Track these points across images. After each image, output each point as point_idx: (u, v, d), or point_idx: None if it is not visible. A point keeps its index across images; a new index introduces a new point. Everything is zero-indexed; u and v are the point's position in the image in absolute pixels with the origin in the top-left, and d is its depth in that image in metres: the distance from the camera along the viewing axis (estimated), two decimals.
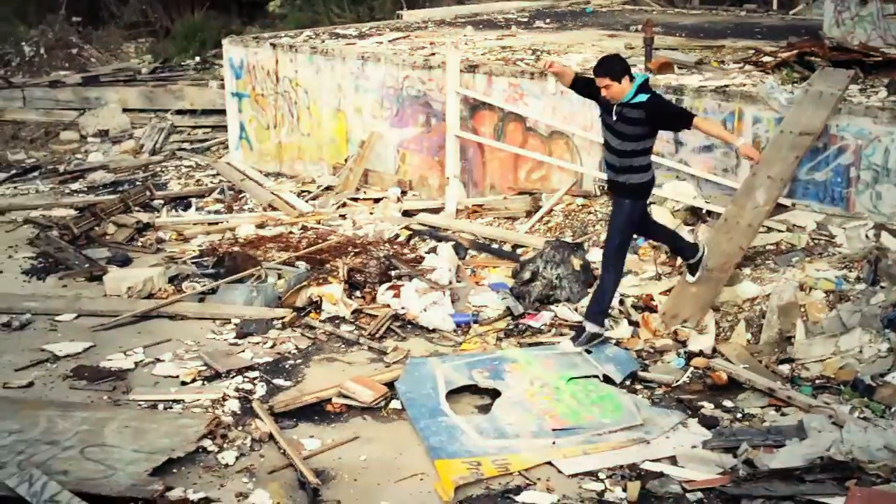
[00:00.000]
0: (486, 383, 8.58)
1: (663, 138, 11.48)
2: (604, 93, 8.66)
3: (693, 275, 9.62)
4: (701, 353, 9.09)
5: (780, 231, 10.40)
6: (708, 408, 8.23)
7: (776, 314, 9.15)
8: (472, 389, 8.60)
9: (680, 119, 9.03)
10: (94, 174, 16.46)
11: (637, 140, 8.73)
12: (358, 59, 14.44)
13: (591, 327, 9.06)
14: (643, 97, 8.58)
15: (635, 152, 8.79)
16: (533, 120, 12.75)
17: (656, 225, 9.80)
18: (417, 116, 13.90)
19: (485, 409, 8.28)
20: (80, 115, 19.57)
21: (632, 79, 8.62)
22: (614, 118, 8.70)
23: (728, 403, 8.30)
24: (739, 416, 8.10)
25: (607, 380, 8.72)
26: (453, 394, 8.47)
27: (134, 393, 8.63)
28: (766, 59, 12.41)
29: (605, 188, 9.59)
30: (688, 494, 6.97)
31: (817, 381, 8.52)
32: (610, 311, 9.47)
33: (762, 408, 8.16)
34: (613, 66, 8.62)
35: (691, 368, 8.88)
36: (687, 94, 11.31)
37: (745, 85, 11.35)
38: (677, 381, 8.68)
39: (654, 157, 11.27)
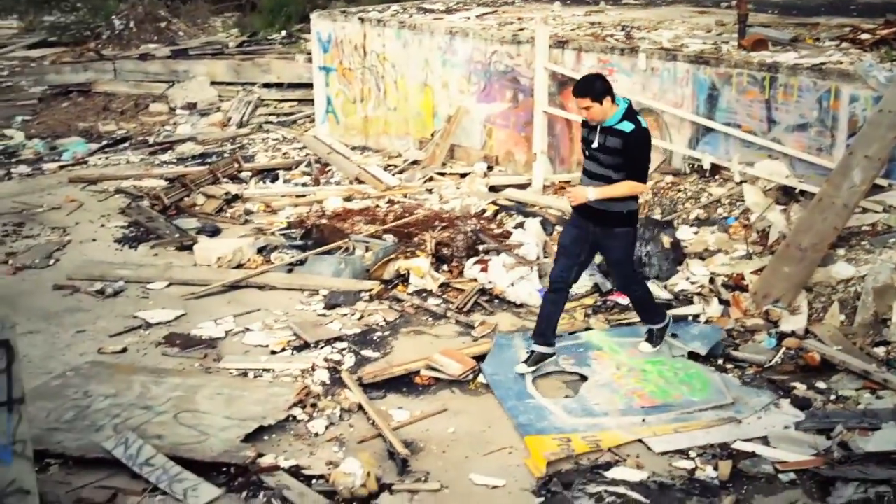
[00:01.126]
0: (572, 370, 8.53)
1: (756, 116, 11.33)
2: (585, 115, 8.03)
3: None
4: (793, 334, 8.94)
5: (876, 212, 10.16)
6: (800, 389, 8.10)
7: (871, 296, 8.97)
8: (558, 373, 8.56)
9: (636, 171, 8.00)
10: (182, 146, 16.71)
11: (622, 170, 8.00)
12: (446, 34, 14.42)
13: (657, 325, 8.77)
14: (629, 126, 7.92)
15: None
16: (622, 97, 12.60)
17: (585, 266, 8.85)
18: (505, 92, 13.85)
19: (572, 390, 8.24)
20: (169, 88, 19.87)
21: (614, 101, 8.00)
22: (596, 146, 8.05)
23: (821, 385, 8.16)
24: (833, 398, 7.96)
25: (693, 356, 8.65)
26: (539, 376, 8.45)
27: (225, 361, 8.76)
28: (864, 36, 12.13)
29: (589, 221, 8.23)
30: (780, 475, 6.88)
31: None
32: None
33: (857, 390, 8.01)
34: (594, 86, 7.94)
35: (783, 349, 8.73)
36: (782, 72, 11.10)
37: (841, 63, 11.10)
38: (769, 362, 8.55)
39: (746, 135, 11.25)
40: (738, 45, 12.14)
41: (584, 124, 8.24)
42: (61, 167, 15.59)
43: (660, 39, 12.98)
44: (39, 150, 16.68)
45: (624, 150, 7.92)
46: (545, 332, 8.47)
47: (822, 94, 10.79)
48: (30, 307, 9.96)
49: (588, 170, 8.22)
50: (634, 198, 8.22)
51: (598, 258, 10.35)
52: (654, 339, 8.76)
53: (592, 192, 8.02)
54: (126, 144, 17.12)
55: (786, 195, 10.88)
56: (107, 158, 16.15)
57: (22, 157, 16.30)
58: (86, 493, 6.71)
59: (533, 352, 8.46)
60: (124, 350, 9.03)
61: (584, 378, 8.36)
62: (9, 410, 5.67)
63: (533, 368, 8.37)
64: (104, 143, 17.11)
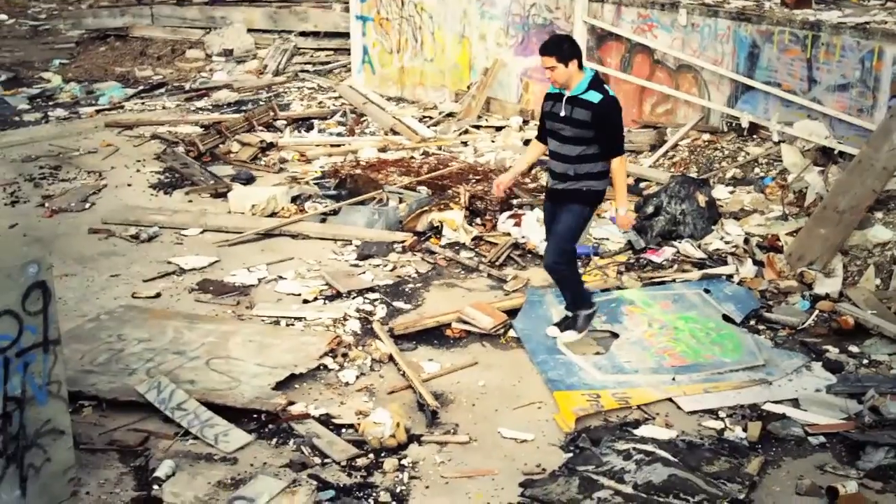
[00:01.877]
0: (604, 328, 8.48)
1: (796, 75, 11.19)
2: (548, 74, 7.66)
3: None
4: (827, 297, 8.88)
5: None
6: (833, 352, 8.05)
7: None
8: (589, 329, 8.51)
9: (612, 143, 7.69)
10: (218, 93, 16.72)
11: (588, 143, 7.65)
12: None
13: (583, 313, 8.13)
14: (596, 96, 7.54)
15: (594, 156, 7.69)
16: (661, 52, 12.51)
17: None
18: None
19: (603, 347, 8.20)
20: (206, 34, 19.83)
21: (581, 67, 7.65)
22: (563, 115, 7.65)
23: (854, 349, 8.11)
24: (865, 362, 7.92)
25: (726, 318, 8.60)
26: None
27: (257, 308, 8.79)
28: None
29: (549, 196, 8.09)
30: (810, 438, 6.86)
31: None
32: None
33: (890, 355, 7.96)
34: (562, 47, 7.58)
35: (816, 311, 8.68)
36: (824, 30, 10.95)
37: (886, 22, 10.94)
38: (802, 324, 8.51)
39: (786, 94, 11.12)
40: (781, 3, 11.99)
41: (548, 97, 7.89)
42: (98, 111, 15.65)
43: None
44: (76, 93, 16.77)
45: (594, 122, 7.57)
46: (576, 299, 8.22)
47: (864, 54, 10.64)
48: (65, 250, 10.03)
49: (556, 151, 7.84)
50: (599, 177, 7.79)
51: None
52: (577, 325, 8.16)
53: (623, 209, 7.85)
54: (162, 90, 17.15)
55: (824, 156, 10.78)
56: (143, 104, 16.19)
57: (59, 101, 16.40)
58: (118, 436, 6.78)
59: (567, 317, 8.30)
60: (158, 295, 9.09)
61: (615, 335, 8.34)
62: (45, 351, 5.72)
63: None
64: (140, 88, 17.16)
